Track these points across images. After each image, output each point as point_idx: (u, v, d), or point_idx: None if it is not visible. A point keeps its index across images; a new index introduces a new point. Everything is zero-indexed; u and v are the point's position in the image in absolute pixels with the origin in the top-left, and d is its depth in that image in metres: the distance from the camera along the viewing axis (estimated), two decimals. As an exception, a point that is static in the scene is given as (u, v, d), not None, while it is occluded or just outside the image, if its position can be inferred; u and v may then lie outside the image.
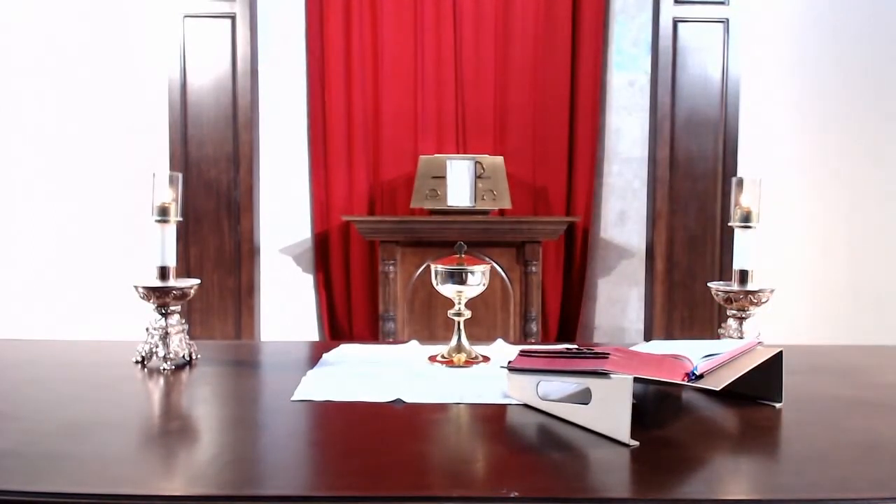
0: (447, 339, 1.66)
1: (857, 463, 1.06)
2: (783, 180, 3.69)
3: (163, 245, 1.64)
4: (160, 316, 1.60)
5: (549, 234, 3.58)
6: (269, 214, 3.81)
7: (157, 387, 1.48)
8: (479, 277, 1.60)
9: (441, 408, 1.30)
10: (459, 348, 1.62)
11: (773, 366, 1.32)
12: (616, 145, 3.89)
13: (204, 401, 1.42)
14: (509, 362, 1.35)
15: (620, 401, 1.11)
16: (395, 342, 2.14)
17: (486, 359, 1.62)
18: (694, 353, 1.28)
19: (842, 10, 3.76)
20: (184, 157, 3.59)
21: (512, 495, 0.92)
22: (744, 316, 1.65)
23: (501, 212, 3.71)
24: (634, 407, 1.11)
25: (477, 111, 3.84)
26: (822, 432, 1.19)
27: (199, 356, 1.65)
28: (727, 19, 3.61)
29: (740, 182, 1.72)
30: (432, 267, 1.63)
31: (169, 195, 1.65)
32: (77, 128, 3.71)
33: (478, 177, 3.56)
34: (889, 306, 3.75)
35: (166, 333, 1.59)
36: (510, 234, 3.55)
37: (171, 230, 1.65)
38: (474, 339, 1.70)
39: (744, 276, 1.68)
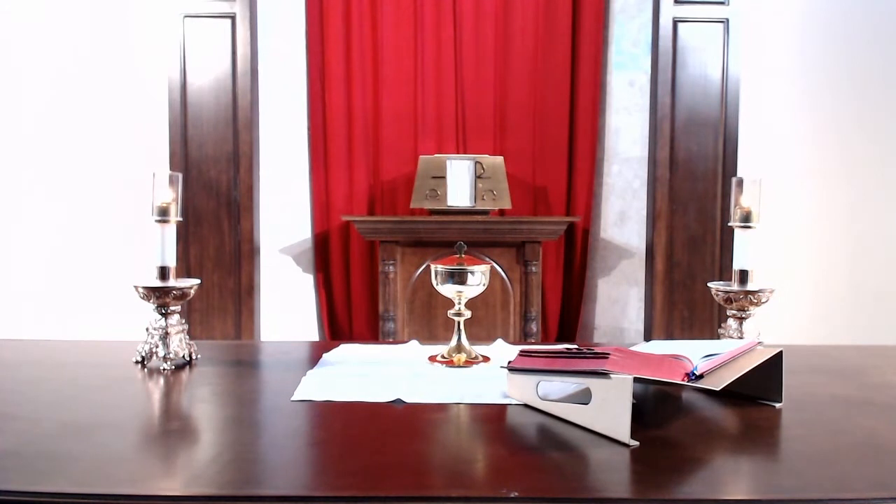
0: (447, 339, 1.66)
1: (857, 463, 1.06)
2: (783, 180, 3.69)
3: (163, 245, 1.64)
4: (160, 316, 1.60)
5: (549, 235, 3.58)
6: (269, 214, 3.81)
7: (157, 387, 1.48)
8: (479, 277, 1.61)
9: (441, 408, 1.30)
10: (459, 348, 1.62)
11: (773, 366, 1.32)
12: (616, 145, 3.89)
13: (204, 401, 1.42)
14: (509, 362, 1.35)
15: (620, 401, 1.11)
16: (395, 342, 2.14)
17: (486, 359, 1.62)
18: (694, 353, 1.28)
19: (842, 10, 3.76)
20: (184, 157, 3.59)
21: (512, 495, 0.92)
22: (744, 316, 1.65)
23: (501, 212, 3.70)
24: (634, 407, 1.11)
25: (477, 111, 3.84)
26: (822, 432, 1.19)
27: (199, 356, 1.65)
28: (727, 19, 3.61)
29: (740, 182, 1.72)
30: (432, 267, 1.63)
31: (169, 195, 1.65)
32: (77, 127, 3.71)
33: (478, 177, 3.56)
34: (889, 306, 3.75)
35: (166, 333, 1.59)
36: (510, 234, 3.55)
37: (171, 230, 1.65)
38: (474, 339, 1.70)
39: (744, 276, 1.68)
